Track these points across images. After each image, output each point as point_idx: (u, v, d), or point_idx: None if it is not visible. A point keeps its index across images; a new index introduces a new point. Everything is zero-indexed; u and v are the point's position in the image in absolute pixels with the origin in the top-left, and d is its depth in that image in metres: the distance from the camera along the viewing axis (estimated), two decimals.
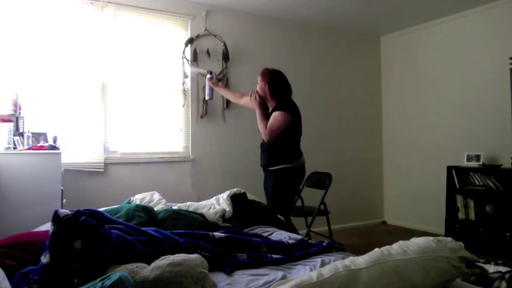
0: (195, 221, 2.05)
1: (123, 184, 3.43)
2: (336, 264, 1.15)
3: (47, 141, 2.85)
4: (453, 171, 4.02)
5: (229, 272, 1.50)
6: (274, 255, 1.68)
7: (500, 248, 3.50)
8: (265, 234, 2.07)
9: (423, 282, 1.12)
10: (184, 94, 3.79)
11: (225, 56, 3.95)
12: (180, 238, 1.61)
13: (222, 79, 3.94)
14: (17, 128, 2.78)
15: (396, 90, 5.03)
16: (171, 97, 3.76)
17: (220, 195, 2.48)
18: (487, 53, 4.00)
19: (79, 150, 3.26)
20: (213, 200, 2.46)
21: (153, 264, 1.24)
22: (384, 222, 5.13)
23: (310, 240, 1.90)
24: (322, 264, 1.55)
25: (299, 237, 2.02)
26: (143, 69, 3.61)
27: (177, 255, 1.29)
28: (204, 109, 3.85)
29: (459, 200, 3.98)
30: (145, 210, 2.07)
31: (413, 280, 1.11)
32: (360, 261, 1.16)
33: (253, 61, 4.11)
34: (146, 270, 1.22)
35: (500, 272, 1.81)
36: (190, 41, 3.80)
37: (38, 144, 2.74)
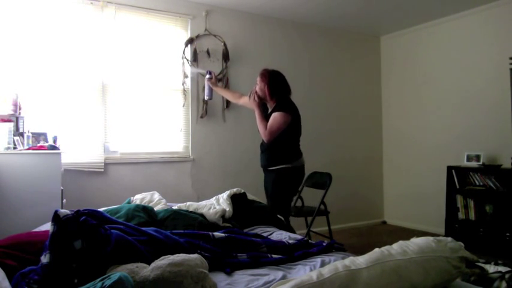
0: (195, 221, 2.05)
1: (123, 184, 3.43)
2: (336, 264, 1.15)
3: (47, 141, 2.85)
4: (453, 171, 4.02)
5: (229, 272, 1.50)
6: (274, 255, 1.68)
7: (500, 248, 3.50)
8: (265, 234, 2.07)
9: (423, 282, 1.12)
10: (184, 94, 3.79)
11: (225, 56, 3.95)
12: (180, 238, 1.61)
13: (222, 79, 3.94)
14: (17, 128, 2.78)
15: (396, 90, 5.03)
16: (171, 97, 3.76)
17: (220, 195, 2.48)
18: (487, 53, 4.00)
19: (79, 150, 3.26)
20: (213, 200, 2.46)
21: (153, 264, 1.24)
22: (384, 222, 5.13)
23: (310, 240, 1.90)
24: (322, 264, 1.55)
25: (299, 237, 2.02)
26: (143, 69, 3.61)
27: (177, 255, 1.29)
28: (204, 109, 3.85)
29: (459, 200, 3.98)
30: (145, 210, 2.07)
31: (413, 280, 1.11)
32: (360, 261, 1.16)
33: (253, 61, 4.11)
34: (146, 270, 1.22)
35: (500, 272, 1.81)
36: (190, 41, 3.80)
37: (38, 144, 2.74)
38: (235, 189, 2.50)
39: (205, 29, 3.89)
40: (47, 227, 1.78)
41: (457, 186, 3.98)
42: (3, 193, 2.42)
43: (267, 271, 1.52)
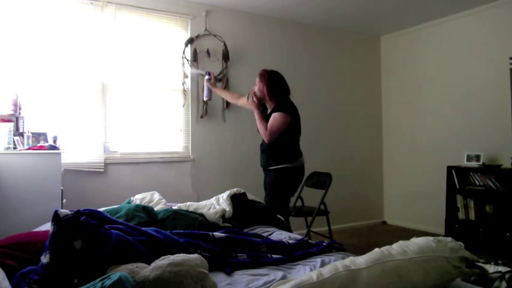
0: (195, 221, 2.05)
1: (123, 184, 3.43)
2: (336, 264, 1.15)
3: (47, 141, 2.85)
4: (453, 171, 4.02)
5: (229, 272, 1.50)
6: (274, 255, 1.68)
7: (500, 248, 3.50)
8: (265, 234, 2.07)
9: (423, 282, 1.12)
10: (184, 94, 3.79)
11: (225, 56, 3.95)
12: (180, 238, 1.61)
13: (222, 79, 3.94)
14: (17, 128, 2.77)
15: (396, 90, 5.03)
16: (171, 97, 3.76)
17: (220, 195, 2.47)
18: (487, 53, 4.00)
19: (79, 150, 3.26)
20: (213, 200, 2.46)
21: (153, 264, 1.24)
22: (384, 222, 5.13)
23: (310, 240, 1.90)
24: (322, 264, 1.55)
25: (299, 237, 2.02)
26: (143, 69, 3.61)
27: (177, 255, 1.29)
28: (204, 109, 3.85)
29: (459, 200, 3.98)
30: (145, 210, 2.07)
31: (413, 280, 1.11)
32: (360, 261, 1.16)
33: (253, 61, 4.11)
34: (146, 270, 1.22)
35: (500, 272, 1.81)
36: (190, 41, 3.80)
37: (38, 144, 2.74)
38: (235, 189, 2.50)
39: (205, 29, 3.89)
40: (47, 227, 1.78)
41: (457, 186, 3.98)
42: (3, 193, 2.42)
43: (267, 271, 1.52)
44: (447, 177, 4.05)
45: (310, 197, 3.60)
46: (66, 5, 3.24)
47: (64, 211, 1.34)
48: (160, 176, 3.63)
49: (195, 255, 1.31)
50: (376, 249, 1.24)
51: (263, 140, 2.86)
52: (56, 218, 1.31)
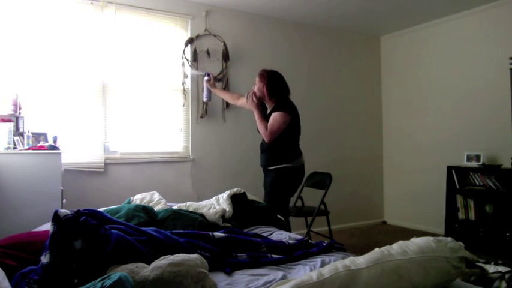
0: (195, 221, 2.05)
1: (123, 184, 3.43)
2: (336, 264, 1.15)
3: (47, 141, 2.85)
4: (453, 171, 4.02)
5: (229, 272, 1.50)
6: (274, 255, 1.68)
7: (500, 248, 3.50)
8: (265, 234, 2.07)
9: (423, 282, 1.12)
10: (184, 94, 3.79)
11: (225, 56, 3.95)
12: (180, 238, 1.61)
13: (222, 79, 3.94)
14: (17, 128, 2.77)
15: (396, 90, 5.03)
16: (171, 97, 3.76)
17: (220, 195, 2.47)
18: (487, 53, 4.00)
19: (79, 150, 3.26)
20: (213, 200, 2.46)
21: (153, 264, 1.24)
22: (384, 222, 5.13)
23: (310, 240, 1.90)
24: (322, 264, 1.55)
25: (299, 237, 2.02)
26: (143, 69, 3.61)
27: (177, 255, 1.29)
28: (204, 109, 3.85)
29: (459, 200, 3.98)
30: (145, 210, 2.07)
31: (413, 280, 1.11)
32: (360, 261, 1.16)
33: (253, 61, 4.11)
34: (146, 270, 1.22)
35: (500, 272, 1.81)
36: (190, 41, 3.80)
37: (38, 144, 2.74)
38: (235, 189, 2.50)
39: (205, 29, 3.89)
40: (47, 227, 1.78)
41: (457, 186, 3.98)
42: (3, 193, 2.42)
43: (267, 271, 1.52)
44: (447, 177, 4.05)
45: (310, 197, 3.60)
46: (66, 5, 3.24)
47: (64, 211, 1.34)
48: (160, 176, 3.63)
49: (195, 255, 1.31)
50: (376, 249, 1.24)
51: (263, 140, 2.86)
52: (56, 218, 1.31)
